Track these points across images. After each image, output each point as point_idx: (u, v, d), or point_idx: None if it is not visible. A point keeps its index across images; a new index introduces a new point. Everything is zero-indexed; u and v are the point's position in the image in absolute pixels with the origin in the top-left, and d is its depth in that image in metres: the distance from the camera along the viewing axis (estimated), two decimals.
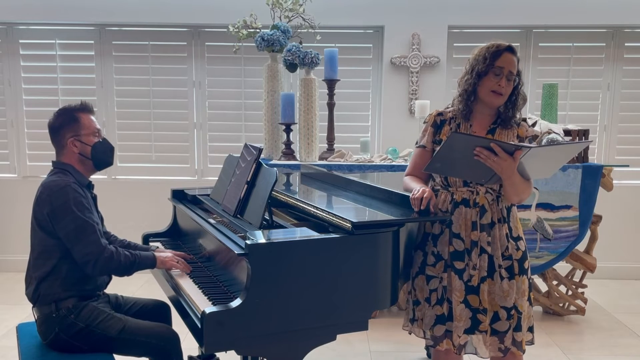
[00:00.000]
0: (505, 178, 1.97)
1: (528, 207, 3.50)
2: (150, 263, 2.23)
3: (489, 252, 2.11)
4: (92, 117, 2.26)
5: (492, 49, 2.07)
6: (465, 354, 2.21)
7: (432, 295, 2.18)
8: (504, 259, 2.11)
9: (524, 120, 2.21)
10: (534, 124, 3.59)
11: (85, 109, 2.24)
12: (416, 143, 2.28)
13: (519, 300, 2.11)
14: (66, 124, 2.19)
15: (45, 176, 2.21)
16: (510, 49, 2.08)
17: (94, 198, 2.29)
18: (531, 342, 2.21)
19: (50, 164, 2.24)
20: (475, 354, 2.22)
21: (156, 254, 2.28)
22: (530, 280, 2.18)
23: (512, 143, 1.98)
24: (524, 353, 2.15)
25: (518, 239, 2.15)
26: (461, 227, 2.12)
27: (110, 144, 2.29)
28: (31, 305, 2.19)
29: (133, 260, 2.17)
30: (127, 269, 2.16)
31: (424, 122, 2.28)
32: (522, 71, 2.14)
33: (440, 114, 2.22)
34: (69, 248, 2.09)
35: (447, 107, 2.25)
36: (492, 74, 2.05)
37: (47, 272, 2.12)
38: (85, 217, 2.09)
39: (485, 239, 2.11)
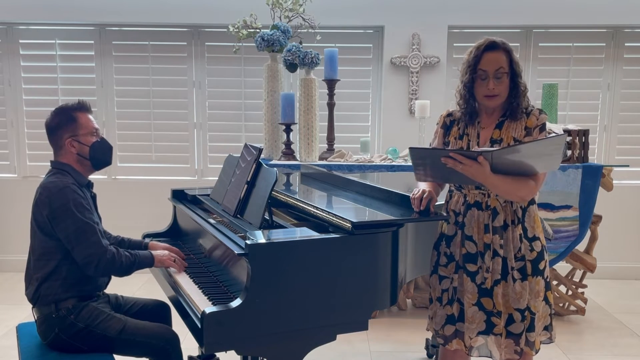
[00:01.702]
0: (481, 182, 1.93)
1: None
2: (148, 262, 2.24)
3: (502, 255, 2.09)
4: (90, 116, 2.23)
5: (471, 54, 2.03)
6: (479, 356, 2.21)
7: (443, 295, 2.19)
8: (516, 260, 2.09)
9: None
10: None
11: (83, 108, 2.22)
12: (429, 145, 2.27)
13: (532, 301, 2.09)
14: (64, 123, 2.17)
15: (44, 177, 2.19)
16: (490, 47, 2.01)
17: (94, 197, 2.29)
18: (550, 341, 2.19)
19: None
20: (490, 357, 2.20)
21: (153, 252, 2.29)
22: (548, 280, 2.15)
23: (473, 150, 1.95)
24: (537, 353, 2.14)
25: (533, 239, 2.11)
26: (474, 230, 2.11)
27: (109, 143, 2.27)
28: (31, 305, 2.19)
29: (133, 260, 2.17)
30: (127, 270, 2.16)
31: (437, 124, 2.27)
32: (522, 71, 2.07)
33: (449, 114, 2.21)
34: (70, 250, 2.09)
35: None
36: (479, 80, 2.02)
37: (48, 273, 2.11)
38: (86, 219, 2.08)
39: (498, 241, 2.08)
